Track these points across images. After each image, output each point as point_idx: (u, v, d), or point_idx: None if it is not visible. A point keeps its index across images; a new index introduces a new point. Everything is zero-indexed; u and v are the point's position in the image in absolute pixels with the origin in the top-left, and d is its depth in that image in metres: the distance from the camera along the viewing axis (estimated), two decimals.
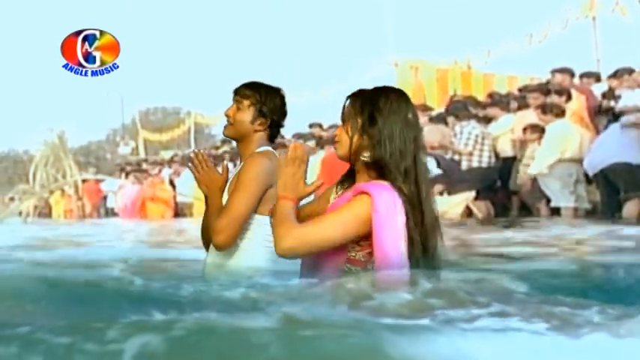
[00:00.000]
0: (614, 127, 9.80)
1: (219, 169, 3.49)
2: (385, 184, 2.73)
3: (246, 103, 3.50)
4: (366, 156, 2.78)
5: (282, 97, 3.55)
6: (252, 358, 1.72)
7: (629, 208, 9.52)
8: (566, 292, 2.71)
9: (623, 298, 2.61)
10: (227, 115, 3.53)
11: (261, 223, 3.36)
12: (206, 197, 3.48)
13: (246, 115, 3.49)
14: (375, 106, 2.77)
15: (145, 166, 21.72)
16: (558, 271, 3.92)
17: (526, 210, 11.32)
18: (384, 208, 2.67)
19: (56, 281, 2.75)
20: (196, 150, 3.55)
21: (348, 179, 2.93)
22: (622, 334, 2.03)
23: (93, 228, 14.82)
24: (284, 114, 3.55)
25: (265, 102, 3.49)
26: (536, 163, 10.50)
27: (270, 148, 3.49)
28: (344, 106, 2.86)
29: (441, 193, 11.35)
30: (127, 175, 20.96)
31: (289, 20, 68.03)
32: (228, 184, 3.47)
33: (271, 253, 3.34)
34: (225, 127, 3.56)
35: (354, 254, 2.76)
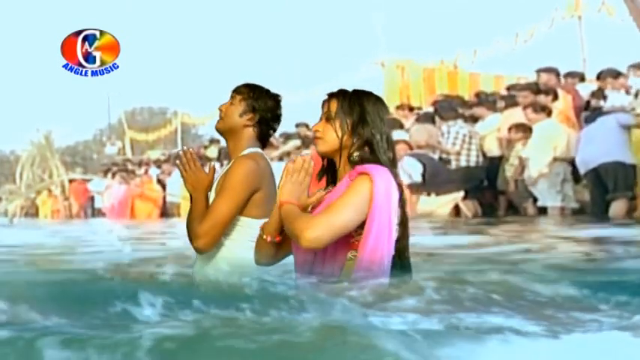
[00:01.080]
0: (603, 123, 9.76)
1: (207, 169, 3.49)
2: (382, 167, 2.83)
3: (238, 98, 3.53)
4: (356, 156, 2.88)
5: (278, 102, 3.57)
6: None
7: (616, 208, 9.57)
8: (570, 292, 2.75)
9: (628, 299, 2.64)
10: (220, 110, 3.56)
11: (246, 225, 3.37)
12: (191, 196, 3.46)
13: (236, 108, 3.51)
14: (363, 108, 2.89)
15: (130, 166, 21.65)
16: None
17: (513, 209, 11.37)
18: (383, 187, 2.77)
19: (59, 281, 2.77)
20: (185, 148, 3.53)
21: (325, 175, 3.01)
22: (628, 335, 2.06)
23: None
24: (276, 117, 3.56)
25: (257, 99, 3.51)
26: (533, 165, 10.48)
27: (258, 150, 3.49)
28: (327, 103, 2.95)
29: (428, 194, 11.39)
30: (113, 175, 20.90)
31: (277, 21, 67.89)
32: (215, 184, 3.47)
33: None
34: (217, 121, 3.59)
35: (357, 239, 2.81)
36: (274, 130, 3.60)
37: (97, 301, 2.31)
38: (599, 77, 10.96)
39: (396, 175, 2.86)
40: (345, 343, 1.91)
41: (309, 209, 2.90)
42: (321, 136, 2.91)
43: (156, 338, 1.80)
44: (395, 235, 2.83)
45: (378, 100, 2.96)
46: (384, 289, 2.70)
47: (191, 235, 3.38)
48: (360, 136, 2.87)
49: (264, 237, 2.95)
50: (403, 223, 2.88)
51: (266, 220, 3.02)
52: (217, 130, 3.60)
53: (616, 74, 10.66)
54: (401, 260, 2.88)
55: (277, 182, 3.03)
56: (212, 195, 3.44)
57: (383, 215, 2.78)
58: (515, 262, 5.31)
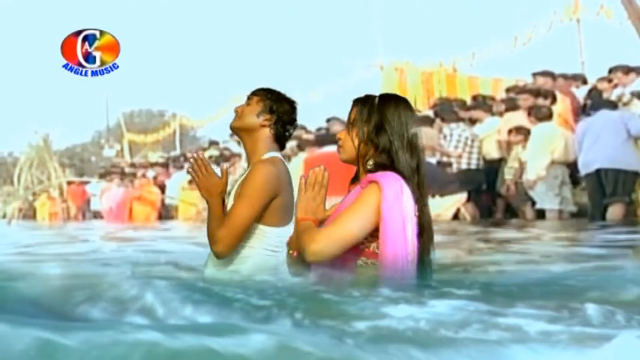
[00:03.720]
0: (606, 123, 9.65)
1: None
2: (392, 172, 2.81)
3: (255, 99, 3.53)
4: (370, 164, 2.88)
5: (294, 108, 3.55)
6: None
7: (613, 211, 9.55)
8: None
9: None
10: (235, 111, 3.54)
11: (264, 233, 3.35)
12: (207, 202, 3.42)
13: (254, 108, 3.50)
14: (383, 115, 2.87)
15: (127, 169, 21.60)
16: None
17: (511, 212, 11.36)
18: (392, 194, 2.74)
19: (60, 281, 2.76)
20: (196, 154, 3.50)
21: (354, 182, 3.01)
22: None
23: None
24: (293, 120, 3.54)
25: (275, 101, 3.50)
26: (531, 168, 10.44)
27: (277, 154, 3.46)
28: (351, 109, 2.96)
29: (432, 195, 11.35)
30: (110, 176, 20.86)
31: (276, 23, 68.04)
32: (232, 188, 3.45)
33: (272, 262, 3.35)
34: (233, 120, 3.55)
35: (367, 246, 2.81)
36: (290, 134, 3.57)
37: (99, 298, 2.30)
38: (610, 72, 10.93)
39: (411, 182, 2.82)
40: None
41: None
42: (341, 144, 2.95)
43: (157, 339, 1.79)
44: (413, 239, 2.79)
45: (400, 103, 2.93)
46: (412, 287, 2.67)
47: (210, 240, 3.36)
48: (376, 145, 2.86)
49: (291, 252, 3.02)
50: (423, 229, 2.84)
51: (283, 229, 3.12)
52: (233, 128, 3.56)
53: (627, 70, 10.62)
54: (423, 264, 2.86)
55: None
56: (229, 200, 3.41)
57: (395, 222, 2.75)
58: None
